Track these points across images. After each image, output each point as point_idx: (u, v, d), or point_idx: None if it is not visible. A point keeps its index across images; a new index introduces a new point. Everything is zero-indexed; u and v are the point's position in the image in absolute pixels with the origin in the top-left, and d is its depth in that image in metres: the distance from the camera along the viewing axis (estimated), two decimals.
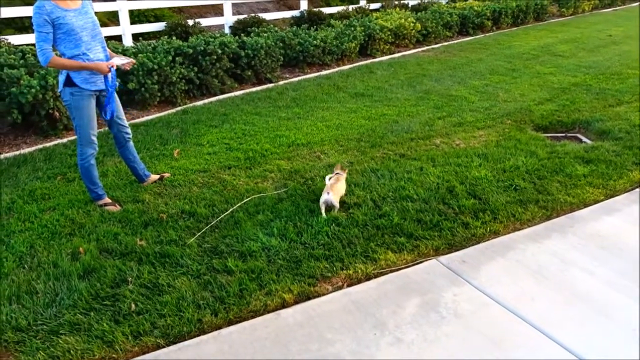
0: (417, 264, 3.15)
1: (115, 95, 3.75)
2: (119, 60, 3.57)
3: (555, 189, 4.10)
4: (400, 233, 3.45)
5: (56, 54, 3.37)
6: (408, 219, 3.61)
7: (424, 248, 3.29)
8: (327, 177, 3.87)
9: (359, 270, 3.06)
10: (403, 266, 3.12)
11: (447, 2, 15.59)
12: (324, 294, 2.89)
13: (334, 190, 3.69)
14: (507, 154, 4.78)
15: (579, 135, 5.52)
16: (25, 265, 3.12)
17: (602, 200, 3.96)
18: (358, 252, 3.24)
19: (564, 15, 16.86)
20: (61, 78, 3.45)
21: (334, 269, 3.09)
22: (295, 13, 12.19)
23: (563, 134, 5.55)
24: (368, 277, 3.03)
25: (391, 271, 3.08)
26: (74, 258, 3.18)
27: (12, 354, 2.47)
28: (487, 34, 12.97)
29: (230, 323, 2.67)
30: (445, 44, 11.49)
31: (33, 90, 4.98)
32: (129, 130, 3.95)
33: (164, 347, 2.51)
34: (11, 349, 2.49)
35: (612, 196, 4.03)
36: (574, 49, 10.41)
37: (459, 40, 11.96)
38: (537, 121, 5.81)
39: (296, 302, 2.82)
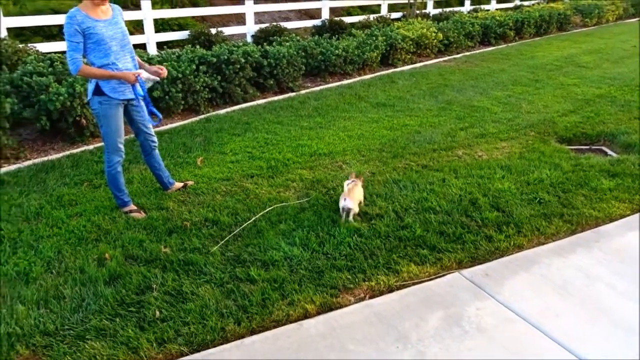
0: (440, 276, 3.13)
1: (143, 103, 3.82)
2: (146, 74, 3.64)
3: (580, 202, 4.05)
4: (423, 245, 3.44)
5: (85, 63, 3.45)
6: (431, 231, 3.60)
7: (447, 261, 3.28)
8: (345, 183, 3.86)
9: (381, 282, 3.06)
10: (426, 279, 3.11)
11: (469, 12, 15.55)
12: (346, 305, 2.89)
13: (351, 196, 3.70)
14: (530, 166, 4.74)
15: (604, 148, 5.44)
16: (53, 270, 3.18)
17: (628, 215, 3.90)
18: (380, 263, 3.24)
19: (588, 26, 16.67)
20: (90, 87, 3.53)
21: (356, 280, 3.09)
22: (317, 22, 12.27)
23: (587, 147, 5.48)
24: (390, 289, 3.02)
25: (413, 283, 3.07)
26: (100, 264, 3.24)
27: (40, 358, 2.52)
28: (509, 44, 12.89)
29: (252, 332, 2.69)
30: (467, 53, 11.45)
31: (61, 97, 5.10)
32: (155, 138, 4.02)
33: (187, 354, 2.54)
34: (39, 353, 2.54)
35: (638, 211, 3.96)
36: (598, 60, 10.28)
37: (481, 50, 11.91)
38: (561, 133, 5.74)
39: (318, 313, 2.83)
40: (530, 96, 7.46)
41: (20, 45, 7.36)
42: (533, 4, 18.09)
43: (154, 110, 3.87)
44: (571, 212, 3.88)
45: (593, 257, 3.33)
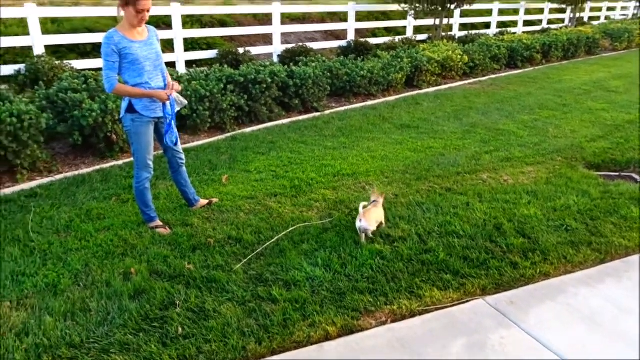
0: (463, 302, 3.09)
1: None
2: (176, 93, 3.74)
3: (610, 231, 3.97)
4: (446, 270, 3.41)
5: (120, 82, 3.56)
6: (454, 256, 3.57)
7: (471, 287, 3.24)
8: (361, 205, 3.82)
9: (404, 306, 3.03)
10: (449, 304, 3.07)
11: (495, 35, 15.53)
12: (367, 329, 2.87)
13: (367, 216, 3.71)
14: (557, 192, 4.67)
15: (634, 175, 5.33)
16: (81, 283, 3.25)
17: None
18: (403, 287, 3.22)
19: (617, 50, 16.49)
20: (123, 105, 3.63)
21: (378, 303, 3.07)
22: (342, 43, 12.42)
23: (617, 173, 5.38)
24: (413, 314, 3.00)
25: (436, 309, 3.04)
26: (125, 278, 3.30)
27: None
28: (536, 68, 12.81)
29: (273, 353, 2.69)
30: (493, 76, 11.41)
31: (94, 113, 5.25)
32: (182, 155, 4.10)
33: None
34: None
35: None
36: (628, 85, 10.14)
37: (507, 73, 11.86)
38: (589, 159, 5.66)
39: (339, 336, 2.82)
40: (558, 120, 7.38)
41: (57, 62, 7.63)
42: (561, 28, 18.00)
43: (173, 132, 3.87)
44: (600, 241, 3.81)
45: (623, 288, 3.26)
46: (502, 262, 3.51)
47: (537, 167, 5.42)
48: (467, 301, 3.10)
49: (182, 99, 3.84)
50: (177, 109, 3.84)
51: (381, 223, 3.89)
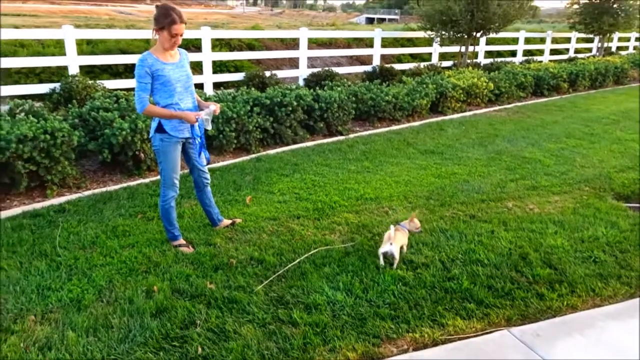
0: (487, 333, 3.03)
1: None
2: (205, 115, 3.80)
3: None
4: (470, 299, 3.35)
5: (151, 102, 3.65)
6: (478, 285, 3.50)
7: (495, 317, 3.17)
8: (392, 228, 3.77)
9: (426, 335, 2.98)
10: (472, 334, 3.01)
11: (521, 63, 15.49)
12: (388, 356, 2.83)
13: (396, 240, 3.68)
14: (585, 223, 4.58)
15: None
16: (104, 299, 3.28)
17: None
18: (425, 315, 3.17)
19: None
20: (153, 125, 3.72)
21: (400, 330, 3.02)
22: (368, 68, 12.54)
23: None
24: (435, 343, 2.94)
25: (459, 338, 2.97)
26: (148, 296, 3.32)
27: None
28: (563, 96, 12.70)
29: None
30: (519, 104, 11.34)
31: (124, 132, 5.38)
32: (208, 175, 4.16)
33: None
34: None
35: None
36: None
37: (533, 101, 11.78)
38: (617, 190, 5.54)
39: None
40: (585, 150, 7.27)
41: (90, 82, 7.87)
42: (588, 57, 17.87)
43: (205, 152, 4.03)
44: (630, 274, 3.70)
45: None
46: (527, 292, 3.43)
47: (564, 196, 5.33)
48: (492, 332, 3.03)
49: (209, 123, 3.89)
50: (207, 126, 3.89)
51: (402, 247, 3.84)
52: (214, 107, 3.83)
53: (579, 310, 3.28)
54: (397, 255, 3.68)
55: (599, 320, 3.17)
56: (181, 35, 3.55)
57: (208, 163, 4.04)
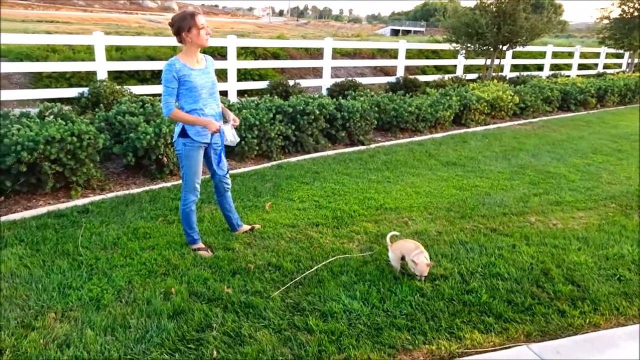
0: (506, 348, 2.96)
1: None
2: (229, 130, 3.86)
3: None
4: (489, 312, 3.29)
5: (176, 107, 3.71)
6: (497, 299, 3.44)
7: (514, 332, 3.10)
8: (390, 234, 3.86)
9: (442, 347, 2.94)
10: (490, 349, 2.95)
11: (547, 77, 15.30)
12: None
13: (393, 246, 3.73)
14: (610, 240, 4.47)
15: None
16: (122, 300, 3.32)
17: None
18: (442, 327, 3.12)
19: None
20: (177, 129, 3.77)
21: (416, 341, 2.98)
22: (391, 79, 12.54)
23: None
24: (452, 356, 2.89)
25: (477, 352, 2.92)
26: (165, 298, 3.35)
27: None
28: (590, 111, 12.49)
29: None
30: (544, 118, 11.19)
31: (148, 136, 5.47)
32: (229, 181, 4.19)
33: None
34: None
35: None
36: None
37: (559, 116, 11.61)
38: None
39: None
40: (612, 166, 7.12)
41: (117, 87, 8.04)
42: (617, 72, 17.56)
43: (224, 160, 4.05)
44: None
45: None
46: (548, 308, 3.36)
47: (589, 212, 5.21)
48: (510, 347, 2.97)
49: (234, 136, 3.93)
50: (226, 142, 3.93)
51: (404, 257, 3.77)
52: (232, 120, 3.90)
53: (602, 329, 3.19)
54: (392, 263, 3.71)
55: (621, 340, 3.08)
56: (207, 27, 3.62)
57: (226, 174, 4.09)
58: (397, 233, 4.10)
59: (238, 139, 3.97)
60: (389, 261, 3.79)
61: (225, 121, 3.94)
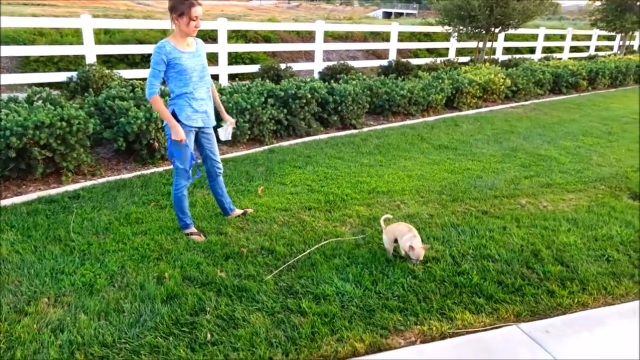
0: (496, 328, 3.01)
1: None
2: (223, 132, 4.03)
3: None
4: (479, 293, 3.33)
5: (163, 91, 3.68)
6: (488, 280, 3.48)
7: (504, 312, 3.15)
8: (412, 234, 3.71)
9: (434, 328, 2.98)
10: (480, 329, 3.00)
11: (539, 60, 15.30)
12: (395, 348, 2.83)
13: (386, 229, 3.76)
14: (599, 221, 4.52)
15: None
16: (116, 284, 3.33)
17: None
18: (434, 308, 3.16)
19: None
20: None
21: (408, 322, 3.02)
22: (384, 62, 12.48)
23: None
24: (443, 336, 2.93)
25: (467, 332, 2.96)
26: (159, 282, 3.36)
27: None
28: (581, 94, 12.52)
29: None
30: (536, 101, 11.21)
31: (139, 121, 5.43)
32: (220, 165, 4.18)
33: None
34: None
35: None
36: None
37: (551, 99, 11.63)
38: (634, 189, 5.46)
39: (367, 353, 2.78)
40: (602, 148, 7.17)
41: (107, 71, 7.95)
42: (609, 55, 17.58)
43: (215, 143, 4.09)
44: None
45: None
46: (538, 289, 3.41)
47: (579, 194, 5.26)
48: (500, 327, 3.02)
49: (227, 136, 4.03)
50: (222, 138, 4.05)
51: (397, 239, 3.80)
52: (229, 123, 4.02)
53: (590, 308, 3.25)
54: (385, 245, 3.77)
55: (609, 319, 3.13)
56: (200, 19, 3.57)
57: (199, 176, 4.14)
58: (390, 216, 4.12)
59: (230, 138, 4.04)
60: (383, 243, 3.82)
61: (223, 120, 4.08)
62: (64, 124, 5.00)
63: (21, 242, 3.82)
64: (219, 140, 4.09)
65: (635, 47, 21.47)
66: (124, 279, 3.39)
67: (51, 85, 7.64)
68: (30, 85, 7.13)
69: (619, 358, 2.76)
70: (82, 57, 8.46)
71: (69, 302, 3.10)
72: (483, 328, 3.01)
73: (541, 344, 2.86)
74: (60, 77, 7.99)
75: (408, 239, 3.59)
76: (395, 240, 3.71)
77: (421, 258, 3.59)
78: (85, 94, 6.39)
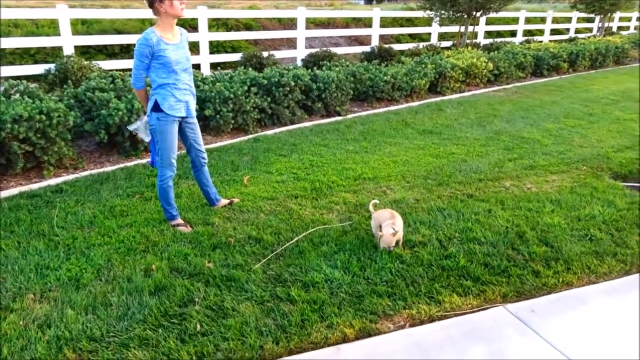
0: (484, 309, 3.05)
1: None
2: (137, 125, 3.92)
3: (636, 242, 3.87)
4: (467, 276, 3.37)
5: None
6: (475, 262, 3.52)
7: (491, 294, 3.19)
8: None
9: (422, 311, 3.01)
10: (468, 311, 3.04)
11: (521, 43, 15.37)
12: (385, 332, 2.85)
13: (374, 214, 3.76)
14: (582, 202, 4.59)
15: None
16: (102, 278, 3.30)
17: None
18: (422, 292, 3.19)
19: None
20: (149, 104, 3.70)
21: (397, 307, 3.05)
22: (366, 48, 12.43)
23: None
24: (431, 319, 2.97)
25: (455, 315, 3.00)
26: (146, 274, 3.33)
27: None
28: (562, 76, 12.63)
29: (290, 352, 2.69)
30: (518, 84, 11.28)
31: (120, 112, 5.35)
32: (205, 155, 4.15)
33: None
34: (84, 357, 2.63)
35: None
36: None
37: (533, 82, 11.72)
38: (615, 169, 5.54)
39: (357, 338, 2.80)
40: (584, 130, 7.25)
41: (85, 62, 7.80)
42: (589, 37, 17.74)
43: (154, 156, 3.99)
44: (625, 252, 3.72)
45: None
46: (523, 270, 3.45)
47: (562, 175, 5.33)
48: (487, 308, 3.06)
49: (144, 133, 3.95)
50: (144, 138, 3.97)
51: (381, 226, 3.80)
52: (147, 118, 3.85)
53: (574, 287, 3.31)
54: (373, 231, 3.77)
55: (593, 297, 3.19)
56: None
57: (152, 166, 4.06)
58: (377, 201, 4.13)
59: (149, 138, 3.93)
60: (371, 229, 3.83)
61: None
62: (43, 117, 4.90)
63: (4, 238, 3.76)
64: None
65: (615, 29, 21.68)
66: (111, 272, 3.36)
67: (28, 78, 7.48)
68: (7, 79, 6.97)
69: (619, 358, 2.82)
70: (60, 48, 8.29)
71: (55, 298, 3.06)
72: (471, 310, 3.05)
73: (527, 323, 2.91)
74: (38, 69, 7.82)
75: (385, 225, 3.59)
76: (381, 227, 3.72)
77: (390, 245, 3.53)
78: (64, 86, 6.27)
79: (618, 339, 2.81)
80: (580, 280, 3.40)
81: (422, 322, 2.95)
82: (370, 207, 3.91)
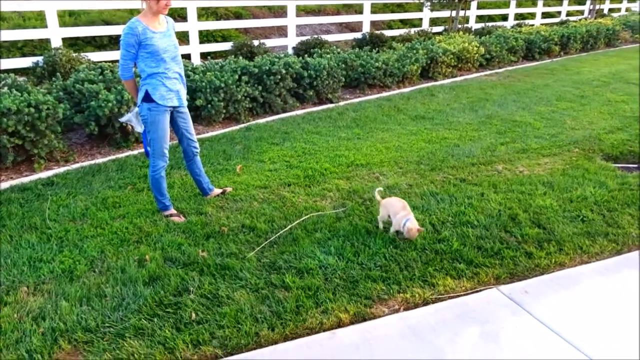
0: (477, 292, 3.07)
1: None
2: (129, 117, 3.90)
3: (627, 222, 3.90)
4: (460, 259, 3.39)
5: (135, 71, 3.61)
6: (468, 245, 3.54)
7: (484, 276, 3.21)
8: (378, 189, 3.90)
9: (417, 295, 3.02)
10: (462, 293, 3.06)
11: (512, 27, 15.34)
12: (380, 316, 2.87)
13: (382, 202, 3.75)
14: (574, 184, 4.61)
15: None
16: (96, 269, 3.29)
17: None
18: (416, 276, 3.21)
19: (637, 42, 16.15)
20: (140, 94, 3.67)
21: (391, 291, 3.06)
22: (358, 35, 12.36)
23: (635, 165, 5.29)
24: (425, 302, 2.99)
25: (449, 297, 3.02)
26: (140, 265, 3.33)
27: (80, 353, 2.60)
28: (554, 59, 12.62)
29: (286, 338, 2.70)
30: (510, 68, 11.27)
31: (110, 104, 5.30)
32: (197, 145, 4.13)
33: (221, 357, 2.57)
34: (80, 348, 2.63)
35: None
36: None
37: (524, 65, 11.71)
38: (607, 150, 5.57)
39: (352, 323, 2.82)
40: (575, 112, 7.27)
41: (74, 54, 7.72)
42: (580, 19, 17.72)
43: (146, 146, 3.98)
44: (617, 232, 3.75)
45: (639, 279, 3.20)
46: (516, 252, 3.48)
47: (554, 158, 5.35)
48: (481, 290, 3.08)
49: (136, 124, 3.94)
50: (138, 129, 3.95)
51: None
52: (137, 109, 3.82)
53: (567, 268, 3.34)
54: (378, 218, 3.77)
55: (586, 277, 3.22)
56: None
57: (147, 156, 3.99)
58: (382, 189, 4.12)
59: (142, 128, 3.90)
60: (377, 215, 3.81)
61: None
62: (32, 110, 4.85)
63: None
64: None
65: (606, 11, 21.65)
66: (104, 263, 3.35)
67: (16, 71, 7.38)
68: None
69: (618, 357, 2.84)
70: (47, 40, 8.18)
71: (49, 290, 3.06)
72: (464, 292, 3.07)
73: (521, 304, 2.94)
74: (26, 62, 7.73)
75: (403, 217, 3.56)
76: (389, 215, 3.72)
77: (413, 239, 3.57)
78: (53, 78, 6.20)
79: (610, 318, 2.84)
80: (573, 261, 3.43)
81: (416, 306, 2.97)
82: (377, 195, 3.88)
